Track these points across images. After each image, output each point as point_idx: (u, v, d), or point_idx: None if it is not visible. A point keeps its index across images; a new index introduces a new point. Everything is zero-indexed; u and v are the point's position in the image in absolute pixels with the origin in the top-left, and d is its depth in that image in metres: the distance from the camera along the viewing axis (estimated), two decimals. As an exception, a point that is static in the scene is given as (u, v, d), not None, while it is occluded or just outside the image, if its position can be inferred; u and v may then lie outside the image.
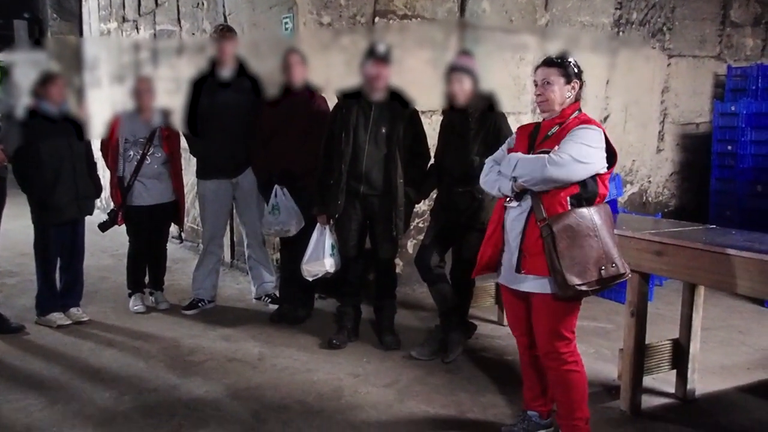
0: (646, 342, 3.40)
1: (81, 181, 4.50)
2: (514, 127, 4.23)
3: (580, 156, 2.64)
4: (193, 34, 6.73)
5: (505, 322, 4.64)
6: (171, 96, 5.46)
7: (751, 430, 3.24)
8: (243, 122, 4.62)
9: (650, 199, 6.69)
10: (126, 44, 8.44)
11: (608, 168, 2.75)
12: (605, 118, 6.29)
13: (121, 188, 4.73)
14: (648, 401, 3.46)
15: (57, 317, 4.57)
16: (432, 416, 3.30)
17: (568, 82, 2.78)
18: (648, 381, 3.49)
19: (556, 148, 2.68)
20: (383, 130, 3.99)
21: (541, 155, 2.69)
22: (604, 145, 2.71)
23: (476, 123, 3.80)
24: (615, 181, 4.04)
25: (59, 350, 4.16)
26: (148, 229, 4.86)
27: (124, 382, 3.66)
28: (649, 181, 6.66)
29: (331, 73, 4.86)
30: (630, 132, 6.43)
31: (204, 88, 4.68)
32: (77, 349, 4.16)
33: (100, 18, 9.73)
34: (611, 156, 2.74)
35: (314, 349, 4.18)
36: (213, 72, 4.70)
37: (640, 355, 3.36)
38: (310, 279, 4.27)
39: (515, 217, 2.81)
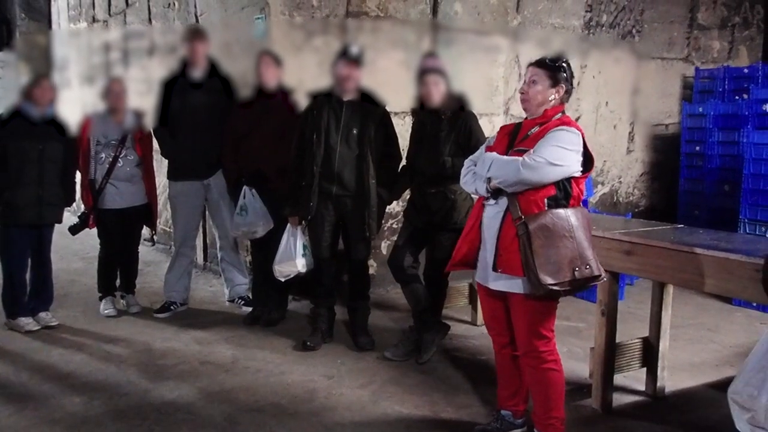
0: (617, 340, 3.44)
1: (48, 188, 4.39)
2: (485, 128, 4.30)
3: (555, 158, 2.66)
4: (165, 34, 6.66)
5: (479, 322, 4.66)
6: (142, 97, 5.40)
7: (719, 426, 3.29)
8: (214, 123, 4.58)
9: (621, 199, 6.78)
10: (96, 44, 8.33)
11: (584, 172, 2.76)
12: (576, 120, 6.34)
13: (92, 191, 4.66)
14: (619, 399, 3.50)
15: (25, 322, 4.49)
16: (406, 417, 3.31)
17: (554, 85, 2.78)
18: (619, 379, 3.54)
19: (532, 151, 2.69)
20: (354, 131, 4.00)
21: (516, 157, 2.70)
22: (580, 149, 2.71)
23: (448, 124, 3.82)
24: (586, 182, 4.07)
25: (28, 355, 4.09)
26: (120, 232, 4.80)
27: (94, 387, 3.61)
28: (620, 182, 6.75)
29: (304, 74, 4.85)
30: (601, 133, 6.51)
31: (175, 89, 4.64)
32: (46, 354, 4.10)
33: (69, 18, 9.59)
34: (588, 160, 2.75)
35: (288, 351, 4.16)
36: (184, 73, 4.66)
37: (611, 354, 3.40)
38: (282, 279, 4.27)
39: (492, 215, 2.83)
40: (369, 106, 4.04)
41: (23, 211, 4.34)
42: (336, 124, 4.01)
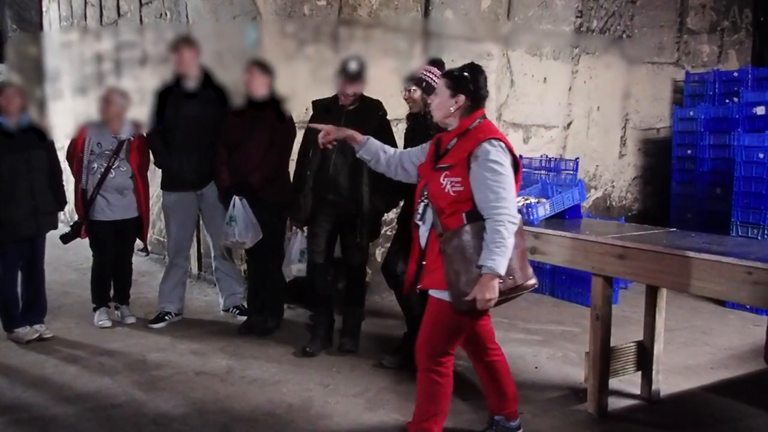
0: (612, 345, 3.45)
1: (40, 197, 4.38)
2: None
3: (505, 189, 2.61)
4: (157, 44, 6.67)
5: (474, 328, 4.67)
6: (135, 107, 5.40)
7: (714, 428, 3.30)
8: (208, 134, 4.58)
9: (614, 203, 6.80)
10: (88, 55, 8.32)
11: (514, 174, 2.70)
12: (568, 125, 6.38)
13: (83, 201, 4.65)
14: (614, 403, 3.51)
15: (24, 332, 4.46)
16: (402, 424, 3.29)
17: (453, 95, 2.74)
18: (614, 383, 3.54)
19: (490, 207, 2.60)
20: None
21: (496, 227, 2.58)
22: (509, 156, 2.67)
23: (437, 130, 3.83)
24: (578, 186, 4.10)
25: (22, 368, 4.06)
26: (112, 243, 4.78)
27: (88, 399, 3.60)
28: (613, 186, 6.77)
29: (296, 82, 4.86)
30: (593, 138, 6.54)
31: (169, 100, 4.64)
32: (40, 367, 4.07)
33: (61, 29, 9.58)
34: (515, 163, 2.72)
35: (283, 360, 4.15)
36: (178, 83, 4.66)
37: (605, 358, 3.40)
38: (288, 281, 4.33)
39: (422, 233, 2.82)
40: (367, 113, 4.08)
41: (20, 226, 4.32)
42: None
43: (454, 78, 2.78)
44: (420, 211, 2.81)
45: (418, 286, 2.81)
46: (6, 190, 4.27)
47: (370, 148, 3.07)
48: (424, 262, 2.81)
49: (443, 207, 2.70)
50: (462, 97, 2.74)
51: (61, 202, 4.63)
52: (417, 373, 2.88)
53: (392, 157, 3.06)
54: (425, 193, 2.80)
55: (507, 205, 2.61)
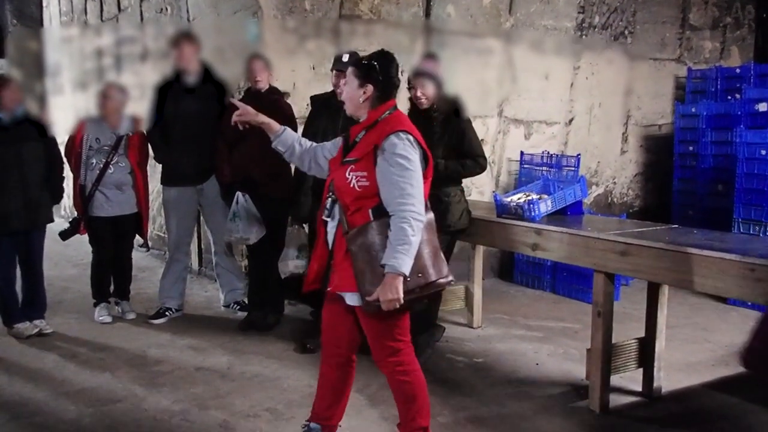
0: (613, 341, 3.45)
1: (32, 190, 4.34)
2: (479, 130, 4.30)
3: (412, 185, 2.51)
4: (157, 39, 6.65)
5: (475, 324, 4.67)
6: (135, 102, 5.39)
7: (715, 425, 3.30)
8: (208, 129, 4.56)
9: (615, 200, 6.79)
10: (88, 50, 8.31)
11: (424, 169, 2.60)
12: (570, 121, 6.37)
13: (82, 197, 4.63)
14: (616, 400, 3.50)
15: (24, 327, 4.45)
16: (402, 420, 3.30)
17: (361, 85, 2.62)
18: (615, 380, 3.53)
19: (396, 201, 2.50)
20: None
21: (400, 224, 2.47)
22: (416, 149, 2.57)
23: (440, 127, 3.82)
24: (580, 183, 4.09)
25: (22, 363, 4.06)
26: (111, 239, 4.76)
27: (88, 395, 3.59)
28: (614, 182, 6.76)
29: (297, 77, 4.85)
30: (594, 134, 6.52)
31: (169, 95, 4.63)
32: (40, 362, 4.07)
33: (61, 24, 9.57)
34: (425, 157, 2.62)
35: (284, 355, 4.15)
36: (178, 78, 4.64)
37: (607, 355, 3.40)
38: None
39: (330, 230, 2.72)
40: None
41: (10, 219, 4.28)
42: (333, 128, 4.01)
43: (362, 67, 2.65)
44: (327, 207, 2.68)
45: (328, 288, 2.70)
46: None
47: (285, 139, 2.88)
48: (332, 262, 2.69)
49: (348, 203, 2.59)
50: (370, 87, 2.61)
51: (56, 196, 4.58)
52: (387, 379, 2.76)
53: (307, 150, 2.89)
54: (332, 188, 2.68)
55: (413, 201, 2.49)
